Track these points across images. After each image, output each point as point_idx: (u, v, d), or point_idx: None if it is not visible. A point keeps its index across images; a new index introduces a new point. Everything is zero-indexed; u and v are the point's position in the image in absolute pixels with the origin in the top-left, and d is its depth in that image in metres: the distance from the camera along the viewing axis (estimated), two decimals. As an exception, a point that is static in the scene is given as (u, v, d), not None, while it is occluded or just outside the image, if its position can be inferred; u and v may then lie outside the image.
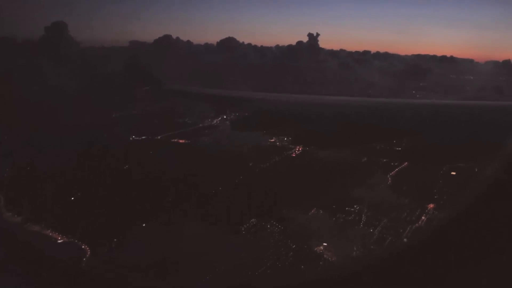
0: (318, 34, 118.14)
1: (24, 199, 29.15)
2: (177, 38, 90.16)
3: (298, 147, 43.82)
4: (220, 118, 54.79)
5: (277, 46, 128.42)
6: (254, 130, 36.80)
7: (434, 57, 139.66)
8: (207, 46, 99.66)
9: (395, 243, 25.14)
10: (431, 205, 30.65)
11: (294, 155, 41.60)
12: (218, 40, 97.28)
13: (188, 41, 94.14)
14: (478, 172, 33.40)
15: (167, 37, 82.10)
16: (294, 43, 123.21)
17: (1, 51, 76.01)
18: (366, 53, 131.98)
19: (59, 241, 24.35)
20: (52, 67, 71.27)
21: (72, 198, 28.49)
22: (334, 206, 28.95)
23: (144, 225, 26.06)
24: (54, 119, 47.98)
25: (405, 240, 25.78)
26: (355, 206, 29.34)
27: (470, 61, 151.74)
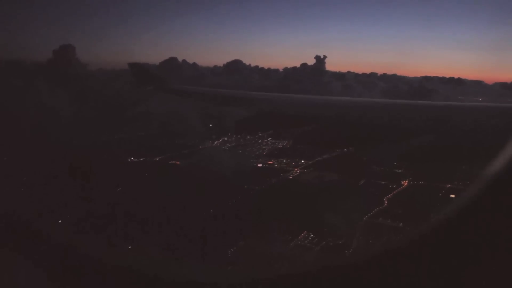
0: (325, 57, 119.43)
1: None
2: (184, 60, 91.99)
3: (296, 168, 43.69)
4: (221, 140, 54.87)
5: (285, 68, 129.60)
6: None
7: (442, 79, 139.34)
8: (214, 68, 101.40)
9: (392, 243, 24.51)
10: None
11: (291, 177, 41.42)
12: (225, 62, 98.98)
13: (194, 64, 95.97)
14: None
15: (172, 60, 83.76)
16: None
17: (12, 73, 77.85)
18: (372, 75, 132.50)
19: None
20: (59, 89, 72.54)
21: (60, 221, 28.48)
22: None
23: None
24: (55, 139, 48.51)
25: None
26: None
27: (478, 83, 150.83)
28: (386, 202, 34.66)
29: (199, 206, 31.21)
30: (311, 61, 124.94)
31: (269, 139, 57.10)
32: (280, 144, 54.82)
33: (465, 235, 2.44)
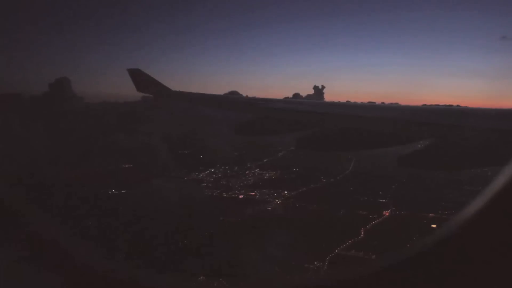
0: (323, 87, 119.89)
1: None
2: (180, 91, 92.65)
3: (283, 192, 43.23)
4: (208, 172, 54.81)
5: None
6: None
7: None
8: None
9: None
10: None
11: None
12: (222, 94, 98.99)
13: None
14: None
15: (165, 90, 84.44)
16: (301, 95, 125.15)
17: (12, 106, 79.32)
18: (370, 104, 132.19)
19: None
20: (55, 122, 73.60)
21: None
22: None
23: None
24: (51, 172, 48.53)
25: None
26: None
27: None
28: (362, 233, 33.96)
29: (166, 238, 30.90)
30: (309, 91, 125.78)
31: (257, 170, 57.07)
32: (267, 175, 54.69)
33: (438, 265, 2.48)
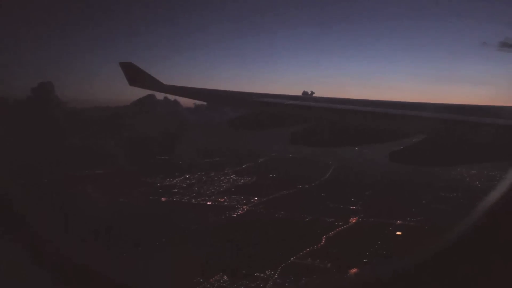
0: (312, 92, 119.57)
1: None
2: (165, 97, 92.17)
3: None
4: (182, 177, 54.35)
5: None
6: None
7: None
8: (197, 107, 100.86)
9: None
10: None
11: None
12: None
13: (175, 101, 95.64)
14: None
15: (149, 97, 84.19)
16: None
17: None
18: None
19: None
20: (38, 127, 73.25)
21: None
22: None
23: None
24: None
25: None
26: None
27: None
28: (324, 240, 33.41)
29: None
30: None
31: (232, 176, 56.58)
32: (242, 180, 54.21)
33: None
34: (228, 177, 55.38)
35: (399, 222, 38.72)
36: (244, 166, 61.14)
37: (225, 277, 26.36)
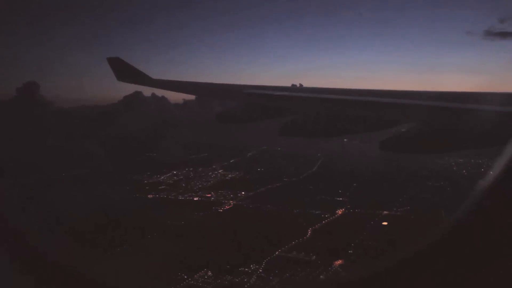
0: (301, 85, 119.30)
1: None
2: (153, 94, 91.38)
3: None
4: (170, 174, 54.09)
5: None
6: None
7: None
8: (185, 102, 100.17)
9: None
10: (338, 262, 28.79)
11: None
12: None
13: (163, 97, 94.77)
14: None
15: (136, 94, 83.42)
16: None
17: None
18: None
19: None
20: (22, 127, 72.42)
21: None
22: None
23: None
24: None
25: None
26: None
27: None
28: (309, 233, 33.44)
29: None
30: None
31: (220, 170, 56.45)
32: (229, 175, 54.10)
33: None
34: (216, 172, 55.25)
35: (385, 212, 38.83)
36: (232, 161, 61.03)
37: (210, 273, 26.23)
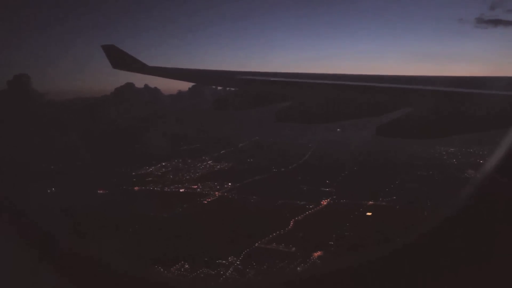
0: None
1: None
2: (146, 85, 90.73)
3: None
4: (159, 165, 53.83)
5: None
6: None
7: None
8: (179, 93, 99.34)
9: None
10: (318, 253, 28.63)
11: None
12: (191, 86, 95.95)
13: (156, 88, 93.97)
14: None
15: (128, 85, 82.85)
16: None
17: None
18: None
19: None
20: (13, 121, 72.11)
21: None
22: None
23: None
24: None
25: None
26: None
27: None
28: (292, 224, 33.24)
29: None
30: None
31: (209, 162, 56.15)
32: (218, 166, 53.83)
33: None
34: (205, 163, 54.98)
35: (370, 202, 38.60)
36: (222, 152, 60.67)
37: (186, 265, 26.07)
